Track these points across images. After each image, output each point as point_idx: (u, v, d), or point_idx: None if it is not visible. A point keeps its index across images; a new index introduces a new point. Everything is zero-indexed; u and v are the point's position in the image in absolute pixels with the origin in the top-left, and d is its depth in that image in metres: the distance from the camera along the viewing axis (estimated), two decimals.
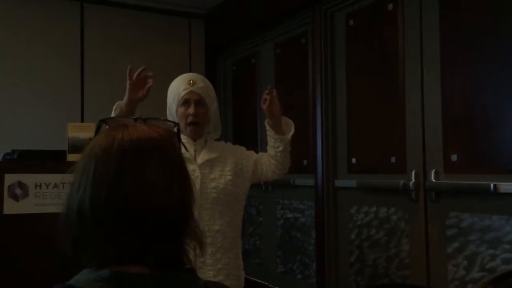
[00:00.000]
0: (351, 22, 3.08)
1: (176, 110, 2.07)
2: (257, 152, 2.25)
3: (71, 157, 2.53)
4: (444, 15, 2.46)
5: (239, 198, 2.13)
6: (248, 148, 2.25)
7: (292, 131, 2.15)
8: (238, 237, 2.13)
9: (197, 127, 2.07)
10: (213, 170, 2.06)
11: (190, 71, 4.09)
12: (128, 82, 1.97)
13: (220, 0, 4.37)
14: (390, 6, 2.77)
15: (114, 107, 2.02)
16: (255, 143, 3.86)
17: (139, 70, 2.00)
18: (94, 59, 4.15)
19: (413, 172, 2.58)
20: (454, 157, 2.39)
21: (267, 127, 2.14)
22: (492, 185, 2.17)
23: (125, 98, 1.99)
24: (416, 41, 2.62)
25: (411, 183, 2.56)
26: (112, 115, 1.97)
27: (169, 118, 2.09)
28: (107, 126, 0.90)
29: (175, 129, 0.93)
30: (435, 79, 2.50)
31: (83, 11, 4.16)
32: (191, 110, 2.04)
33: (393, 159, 2.73)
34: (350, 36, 3.09)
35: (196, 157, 2.06)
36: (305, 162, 3.42)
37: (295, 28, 3.63)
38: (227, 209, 2.06)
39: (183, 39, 4.58)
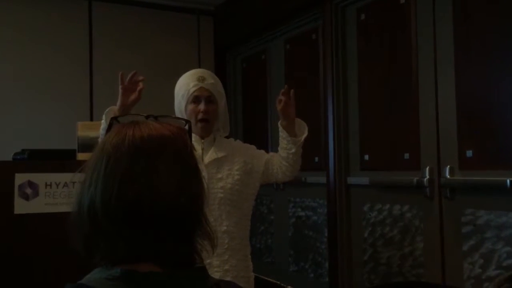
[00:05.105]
0: (362, 16, 3.04)
1: (186, 107, 2.04)
2: (267, 151, 2.21)
3: (81, 156, 2.53)
4: (458, 9, 2.42)
5: (248, 199, 2.09)
6: (259, 146, 2.21)
7: (306, 134, 2.09)
8: (246, 238, 2.10)
9: (207, 124, 2.04)
10: (220, 170, 2.02)
11: (199, 68, 4.08)
12: (120, 86, 1.94)
13: None
14: (402, 0, 2.73)
15: (106, 110, 1.97)
16: (265, 141, 3.84)
17: (130, 74, 1.96)
18: (102, 57, 4.15)
19: (427, 169, 2.54)
20: (469, 153, 2.35)
21: (280, 128, 2.09)
22: (508, 181, 2.13)
23: (118, 103, 1.96)
24: (429, 36, 2.57)
25: (425, 179, 2.53)
26: (103, 120, 1.93)
27: (178, 115, 2.06)
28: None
29: (186, 127, 0.92)
30: (449, 74, 2.46)
31: (91, 9, 4.17)
32: (201, 107, 2.01)
33: (406, 156, 2.69)
34: (361, 30, 3.05)
35: (203, 156, 2.02)
36: (316, 159, 3.39)
37: (306, 24, 3.60)
38: (235, 210, 2.02)
39: (192, 36, 4.57)
